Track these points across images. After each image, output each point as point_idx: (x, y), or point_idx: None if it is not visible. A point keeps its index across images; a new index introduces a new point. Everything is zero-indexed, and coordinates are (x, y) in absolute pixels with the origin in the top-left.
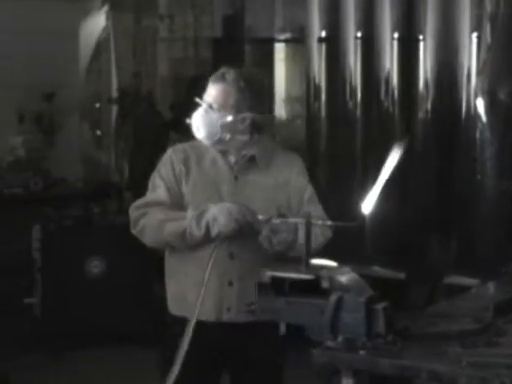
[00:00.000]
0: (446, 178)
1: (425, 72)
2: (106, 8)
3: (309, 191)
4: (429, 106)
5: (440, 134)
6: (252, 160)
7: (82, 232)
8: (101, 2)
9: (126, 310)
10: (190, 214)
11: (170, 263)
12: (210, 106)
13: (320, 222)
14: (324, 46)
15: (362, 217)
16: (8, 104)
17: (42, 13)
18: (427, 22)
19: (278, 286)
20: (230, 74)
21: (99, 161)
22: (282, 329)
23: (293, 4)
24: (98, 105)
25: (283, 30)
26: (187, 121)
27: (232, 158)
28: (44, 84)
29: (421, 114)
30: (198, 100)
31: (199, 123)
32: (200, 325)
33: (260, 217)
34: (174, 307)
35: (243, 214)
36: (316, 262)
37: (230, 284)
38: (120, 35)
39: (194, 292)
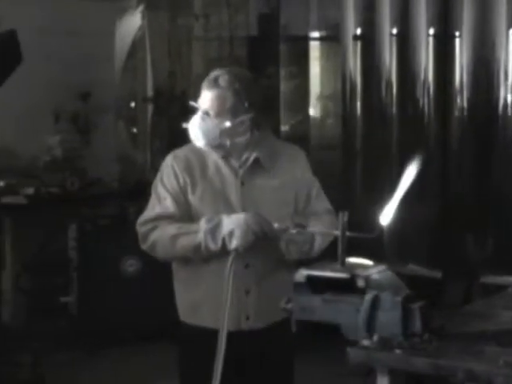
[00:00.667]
0: (483, 176)
1: (461, 69)
2: (141, 7)
3: (316, 187)
4: (465, 103)
5: (476, 131)
6: (256, 162)
7: (117, 231)
8: (136, 1)
9: (161, 308)
10: (204, 227)
11: (180, 273)
12: (206, 113)
13: (337, 233)
14: (359, 44)
15: (380, 228)
16: (44, 103)
17: (78, 12)
18: (463, 19)
19: (313, 284)
20: (224, 77)
21: (135, 160)
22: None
23: (328, 2)
24: (133, 104)
25: (318, 28)
26: (184, 126)
27: (235, 163)
28: (80, 83)
29: (457, 111)
30: (193, 104)
31: (197, 131)
32: (217, 334)
33: (276, 225)
34: (187, 316)
35: (260, 225)
36: (352, 260)
37: (247, 293)
38: (155, 34)
39: (208, 302)
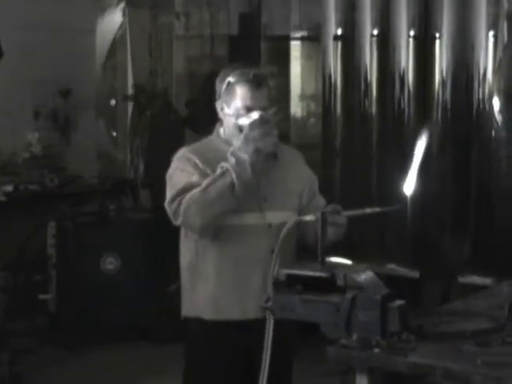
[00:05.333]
0: (461, 176)
1: (440, 70)
2: (122, 5)
3: (316, 182)
4: (444, 104)
5: (455, 131)
6: (271, 155)
7: (97, 229)
8: None
9: (140, 306)
10: (229, 164)
11: (196, 266)
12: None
13: (369, 210)
14: (340, 44)
15: (404, 199)
16: (24, 100)
17: (59, 9)
18: (443, 20)
19: (293, 283)
20: (262, 74)
21: (115, 158)
22: None
23: (309, 2)
24: (113, 102)
25: (299, 28)
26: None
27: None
28: (60, 80)
29: (436, 112)
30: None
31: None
32: (242, 324)
33: (310, 216)
34: (206, 312)
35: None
36: (332, 260)
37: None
38: (136, 32)
39: (235, 292)
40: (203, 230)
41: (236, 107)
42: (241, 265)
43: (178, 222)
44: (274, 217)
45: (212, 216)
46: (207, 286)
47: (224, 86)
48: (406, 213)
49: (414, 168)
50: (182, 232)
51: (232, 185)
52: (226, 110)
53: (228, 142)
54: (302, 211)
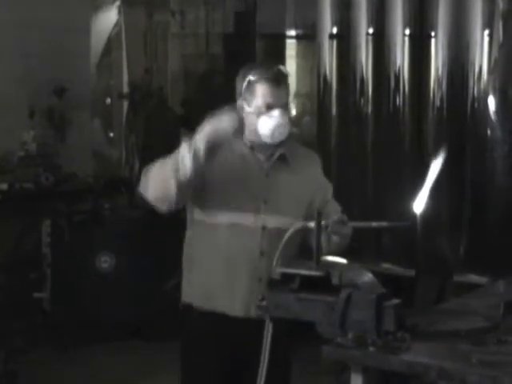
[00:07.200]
0: (457, 176)
1: (436, 69)
2: (117, 3)
3: (331, 190)
4: (440, 103)
5: (450, 130)
6: (281, 158)
7: (91, 227)
8: None
9: (135, 304)
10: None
11: (192, 255)
12: (285, 107)
13: (375, 224)
14: (335, 43)
15: (414, 216)
16: (19, 99)
17: (54, 8)
18: (439, 19)
19: (288, 282)
20: (282, 73)
21: (110, 156)
22: None
23: (304, 0)
24: (108, 100)
25: (294, 27)
26: (260, 122)
27: (261, 156)
28: (55, 79)
29: (431, 111)
30: (269, 102)
31: (284, 125)
32: (228, 321)
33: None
34: (200, 300)
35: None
36: (327, 258)
37: (260, 280)
38: (132, 30)
39: (224, 289)
40: (155, 201)
41: (257, 105)
42: (230, 262)
43: (141, 190)
44: (271, 220)
45: (161, 191)
46: (200, 276)
47: (245, 85)
48: (416, 229)
49: (427, 187)
50: (188, 221)
51: (178, 163)
52: (247, 109)
53: (235, 143)
54: (311, 219)
